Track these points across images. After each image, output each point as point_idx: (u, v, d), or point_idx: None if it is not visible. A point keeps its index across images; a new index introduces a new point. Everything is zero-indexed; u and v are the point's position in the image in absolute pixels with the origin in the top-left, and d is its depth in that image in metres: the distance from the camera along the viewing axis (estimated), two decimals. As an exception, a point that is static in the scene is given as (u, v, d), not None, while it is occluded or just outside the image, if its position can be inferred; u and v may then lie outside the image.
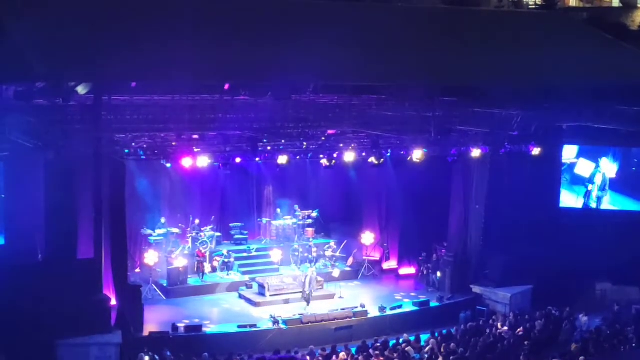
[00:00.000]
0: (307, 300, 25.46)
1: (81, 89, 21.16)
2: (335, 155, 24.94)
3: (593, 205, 29.81)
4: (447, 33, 25.89)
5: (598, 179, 29.74)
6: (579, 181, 29.94)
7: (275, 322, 23.83)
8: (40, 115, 21.22)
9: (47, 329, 20.62)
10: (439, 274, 28.44)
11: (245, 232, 29.98)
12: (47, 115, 21.27)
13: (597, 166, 29.58)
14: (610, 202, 29.66)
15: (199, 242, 27.97)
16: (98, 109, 21.58)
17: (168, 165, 24.19)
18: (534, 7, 43.02)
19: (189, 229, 28.34)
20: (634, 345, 22.84)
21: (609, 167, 29.49)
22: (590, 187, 29.86)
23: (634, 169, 29.53)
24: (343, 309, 24.99)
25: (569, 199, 30.15)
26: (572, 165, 29.95)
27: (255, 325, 23.78)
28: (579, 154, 29.86)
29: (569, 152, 29.92)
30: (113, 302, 22.81)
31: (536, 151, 27.01)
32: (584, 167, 29.79)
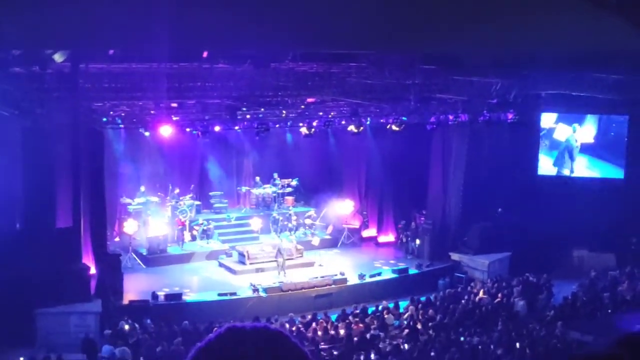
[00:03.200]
0: (282, 269, 25.43)
1: (58, 57, 20.93)
2: (314, 124, 24.92)
3: (566, 172, 29.88)
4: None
5: (573, 144, 29.80)
6: (557, 146, 30.04)
7: (255, 290, 23.92)
8: (17, 83, 20.99)
9: (27, 298, 20.59)
10: (417, 241, 28.61)
11: (225, 201, 29.94)
12: (24, 83, 21.05)
13: (574, 131, 29.65)
14: (587, 167, 29.80)
15: (179, 210, 27.90)
16: (75, 77, 21.38)
17: (146, 133, 24.10)
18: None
19: (168, 198, 28.24)
20: (609, 311, 23.14)
21: (583, 133, 29.58)
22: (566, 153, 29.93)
23: (612, 134, 29.67)
24: (323, 277, 25.10)
25: (548, 165, 30.26)
26: (551, 131, 30.02)
27: (235, 294, 23.85)
28: (558, 120, 29.92)
29: (549, 118, 29.98)
30: (92, 270, 22.78)
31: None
32: (562, 132, 29.87)
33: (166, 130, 22.73)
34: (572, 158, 29.73)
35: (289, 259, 25.91)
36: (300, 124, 25.45)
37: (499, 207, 27.73)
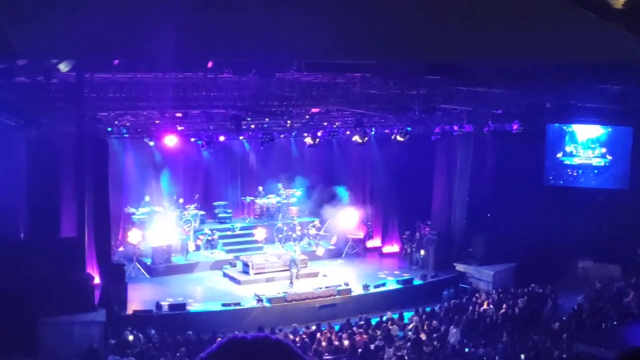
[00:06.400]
0: (291, 280, 25.39)
1: (63, 67, 20.98)
2: (319, 134, 24.93)
3: (573, 173, 29.82)
4: (431, 10, 25.78)
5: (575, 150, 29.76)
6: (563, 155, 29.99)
7: (259, 300, 23.87)
8: (22, 93, 21.05)
9: (30, 308, 20.54)
10: (422, 252, 28.53)
11: (229, 211, 29.91)
12: (29, 93, 21.10)
13: (577, 139, 29.60)
14: (590, 177, 29.69)
15: (183, 220, 27.88)
16: (80, 87, 21.43)
17: (151, 143, 24.15)
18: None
19: (172, 208, 28.21)
20: (614, 322, 23.05)
21: (586, 142, 29.52)
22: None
23: (615, 143, 29.61)
24: (327, 287, 25.04)
25: (552, 175, 30.16)
26: (558, 140, 29.94)
27: (239, 304, 23.81)
28: (561, 129, 29.85)
29: (550, 128, 29.91)
30: (96, 280, 22.78)
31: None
32: (566, 141, 29.82)
33: (171, 140, 22.75)
34: (579, 166, 29.67)
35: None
36: (305, 134, 25.47)
37: (503, 217, 27.59)
